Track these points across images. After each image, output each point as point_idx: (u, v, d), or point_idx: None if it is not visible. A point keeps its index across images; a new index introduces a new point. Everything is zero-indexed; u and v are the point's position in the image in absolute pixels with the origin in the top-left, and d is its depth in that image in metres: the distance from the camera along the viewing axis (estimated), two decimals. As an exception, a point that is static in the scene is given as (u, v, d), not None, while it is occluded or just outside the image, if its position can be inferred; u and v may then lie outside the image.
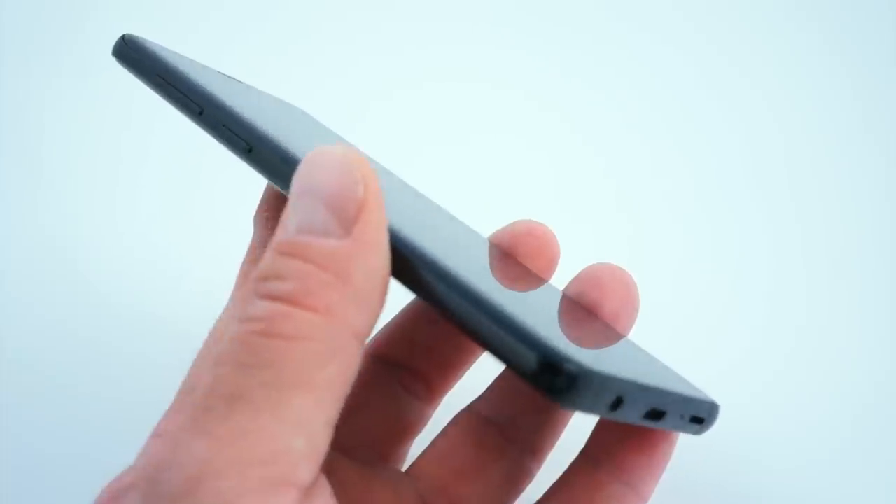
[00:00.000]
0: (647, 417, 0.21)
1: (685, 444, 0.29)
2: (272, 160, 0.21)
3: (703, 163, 0.43)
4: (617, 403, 0.19)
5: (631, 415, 0.20)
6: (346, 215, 0.18)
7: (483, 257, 0.25)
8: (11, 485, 0.33)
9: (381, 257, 0.18)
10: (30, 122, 0.42)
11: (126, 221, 0.39)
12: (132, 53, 0.25)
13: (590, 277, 0.25)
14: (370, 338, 0.22)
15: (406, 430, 0.26)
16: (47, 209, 0.39)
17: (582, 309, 0.25)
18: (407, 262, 0.19)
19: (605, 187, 0.42)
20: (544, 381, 0.17)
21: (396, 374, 0.26)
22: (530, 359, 0.18)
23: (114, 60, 0.27)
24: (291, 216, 0.18)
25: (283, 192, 0.21)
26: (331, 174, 0.18)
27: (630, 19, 0.46)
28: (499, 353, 0.18)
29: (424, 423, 0.27)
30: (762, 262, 0.40)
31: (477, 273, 0.20)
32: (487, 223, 0.29)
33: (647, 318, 0.35)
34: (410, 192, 0.29)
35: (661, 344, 0.35)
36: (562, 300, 0.25)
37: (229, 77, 0.28)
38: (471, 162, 0.40)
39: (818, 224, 0.41)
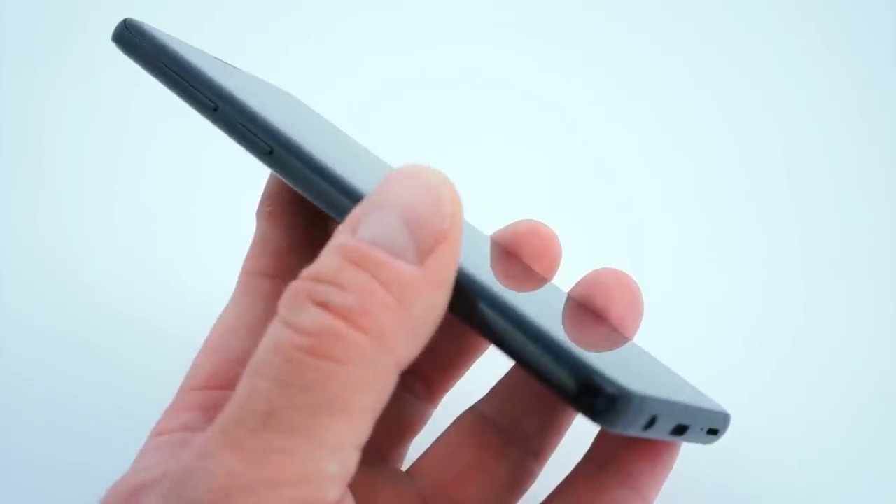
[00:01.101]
0: (672, 433, 0.21)
1: (685, 444, 0.29)
2: (294, 164, 0.21)
3: (702, 163, 0.43)
4: (651, 423, 0.19)
5: (660, 432, 0.20)
6: (424, 244, 0.17)
7: (500, 264, 0.24)
8: (9, 485, 0.33)
9: (444, 295, 0.18)
10: (28, 123, 0.41)
11: (124, 223, 0.39)
12: (134, 39, 0.23)
13: (595, 282, 0.25)
14: None
15: (407, 429, 0.26)
16: (44, 211, 0.39)
17: (589, 313, 0.25)
18: (457, 290, 0.19)
19: (605, 188, 0.42)
20: (584, 401, 0.18)
21: None
22: (570, 380, 0.18)
23: (112, 59, 0.27)
24: (365, 224, 0.17)
25: (301, 193, 0.21)
26: (421, 198, 0.17)
27: (631, 20, 0.46)
28: (537, 373, 0.18)
29: (424, 423, 0.27)
30: (761, 262, 0.40)
31: (508, 288, 0.20)
32: (488, 223, 0.29)
33: (646, 318, 0.35)
34: None
35: (660, 343, 0.34)
36: (569, 304, 0.25)
37: (226, 63, 0.27)
38: (471, 162, 0.40)
39: (816, 224, 0.41)
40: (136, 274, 0.37)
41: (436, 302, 0.18)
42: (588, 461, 0.24)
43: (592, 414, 0.18)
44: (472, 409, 0.26)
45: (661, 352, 0.32)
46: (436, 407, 0.27)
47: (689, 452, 0.29)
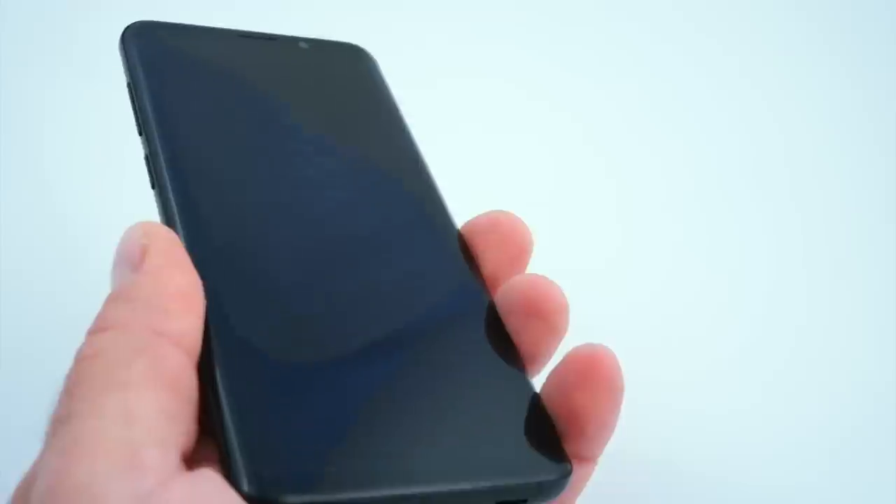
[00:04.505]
0: None
1: (686, 447, 0.29)
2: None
3: (703, 163, 0.43)
4: None
5: None
6: (133, 260, 0.22)
7: None
8: (9, 486, 0.33)
9: (170, 276, 0.21)
10: (29, 123, 0.42)
11: (125, 224, 0.39)
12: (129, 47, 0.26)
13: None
14: None
15: None
16: (46, 211, 0.39)
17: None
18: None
19: (606, 187, 0.42)
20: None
21: None
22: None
23: (114, 60, 0.27)
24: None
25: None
26: (123, 241, 0.22)
27: (632, 19, 0.46)
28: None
29: None
30: (761, 263, 0.40)
31: None
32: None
33: (647, 317, 0.35)
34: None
35: (661, 344, 0.35)
36: None
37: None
38: (473, 159, 0.40)
39: (817, 224, 0.41)
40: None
41: (165, 282, 0.21)
42: None
43: None
44: None
45: (661, 352, 0.32)
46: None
47: (690, 450, 0.29)
